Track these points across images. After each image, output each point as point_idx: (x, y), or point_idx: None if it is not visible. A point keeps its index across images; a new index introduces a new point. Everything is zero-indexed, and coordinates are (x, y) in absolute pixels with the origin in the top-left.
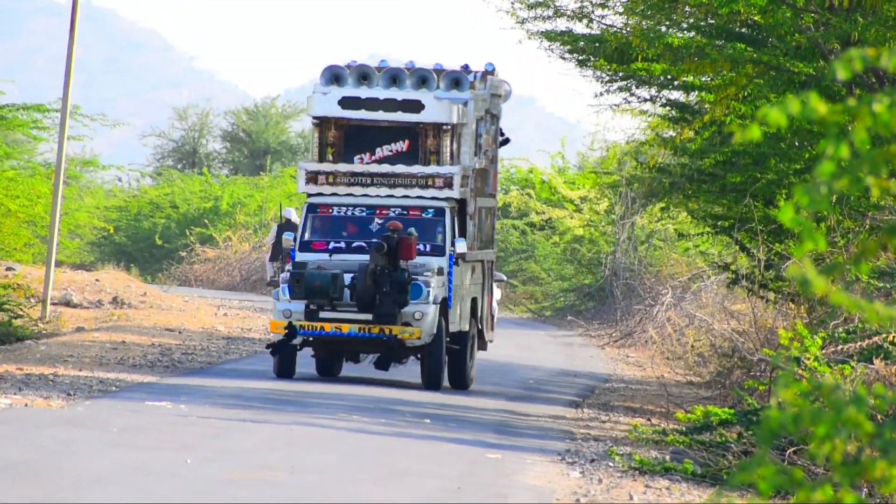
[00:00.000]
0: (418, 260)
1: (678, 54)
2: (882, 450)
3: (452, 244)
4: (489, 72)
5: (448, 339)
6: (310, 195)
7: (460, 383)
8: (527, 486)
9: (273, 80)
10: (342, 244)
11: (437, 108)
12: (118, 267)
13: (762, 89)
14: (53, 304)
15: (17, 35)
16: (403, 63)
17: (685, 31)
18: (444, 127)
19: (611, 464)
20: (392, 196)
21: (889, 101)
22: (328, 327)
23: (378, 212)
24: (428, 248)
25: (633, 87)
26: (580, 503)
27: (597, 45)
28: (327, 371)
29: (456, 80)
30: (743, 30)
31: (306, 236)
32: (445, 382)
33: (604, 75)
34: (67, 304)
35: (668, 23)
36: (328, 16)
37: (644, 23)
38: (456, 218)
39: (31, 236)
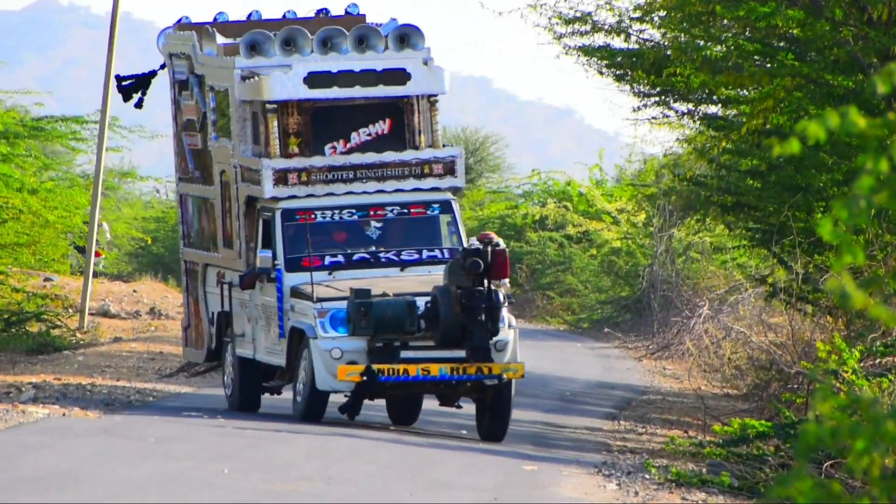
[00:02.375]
0: None
1: (716, 67)
2: None
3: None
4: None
5: None
6: (279, 199)
7: (501, 432)
8: (563, 497)
9: None
10: (340, 258)
11: (426, 76)
12: (156, 278)
13: (801, 102)
14: (91, 314)
15: (56, 47)
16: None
17: (723, 45)
18: (434, 98)
19: (647, 476)
20: (383, 191)
21: None
22: (413, 370)
23: (372, 212)
24: (447, 254)
25: (671, 101)
26: None
27: (634, 59)
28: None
29: (403, 35)
30: (781, 43)
31: (288, 252)
32: None
33: (641, 89)
34: (105, 314)
35: (705, 37)
36: None
37: (682, 37)
38: None
39: (70, 247)
